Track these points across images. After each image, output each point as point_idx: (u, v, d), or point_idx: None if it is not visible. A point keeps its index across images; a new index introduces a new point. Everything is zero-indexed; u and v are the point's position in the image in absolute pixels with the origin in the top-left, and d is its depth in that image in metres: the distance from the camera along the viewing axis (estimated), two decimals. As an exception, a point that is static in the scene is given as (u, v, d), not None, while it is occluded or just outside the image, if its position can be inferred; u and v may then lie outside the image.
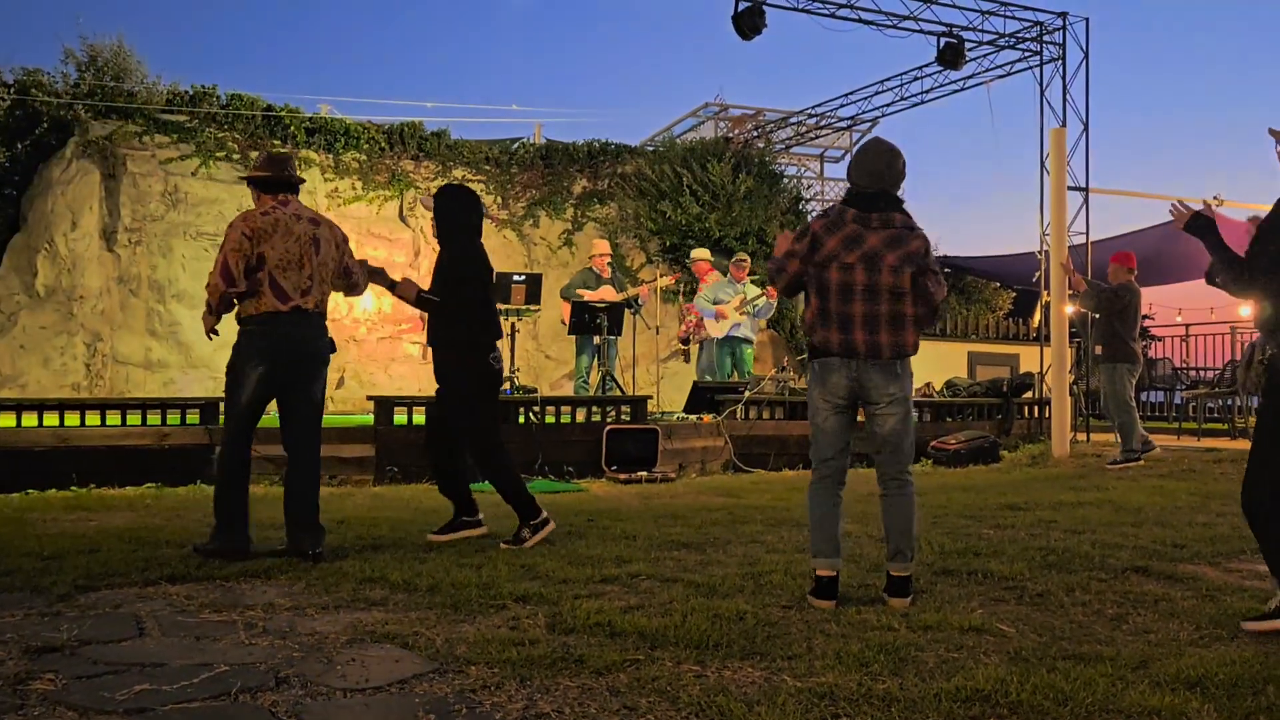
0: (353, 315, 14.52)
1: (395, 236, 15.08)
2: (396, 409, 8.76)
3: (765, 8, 11.72)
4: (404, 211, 15.19)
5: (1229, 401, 13.33)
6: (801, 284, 4.29)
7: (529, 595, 4.06)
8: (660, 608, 3.87)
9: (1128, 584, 4.50)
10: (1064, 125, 12.63)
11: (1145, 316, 15.53)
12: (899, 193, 4.30)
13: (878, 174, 4.20)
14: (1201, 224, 3.91)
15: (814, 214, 3.91)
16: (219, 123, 14.06)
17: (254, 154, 14.09)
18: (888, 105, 15.73)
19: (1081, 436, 12.17)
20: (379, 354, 14.87)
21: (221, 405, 5.65)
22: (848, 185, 4.38)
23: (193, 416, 8.26)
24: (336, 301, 14.26)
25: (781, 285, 4.37)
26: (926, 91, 15.28)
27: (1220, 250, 3.76)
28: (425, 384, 14.20)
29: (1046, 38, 13.37)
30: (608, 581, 4.40)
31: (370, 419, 8.73)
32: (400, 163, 15.16)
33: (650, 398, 10.47)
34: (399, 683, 2.95)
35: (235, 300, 4.94)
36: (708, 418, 10.30)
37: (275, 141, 14.19)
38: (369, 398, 9.13)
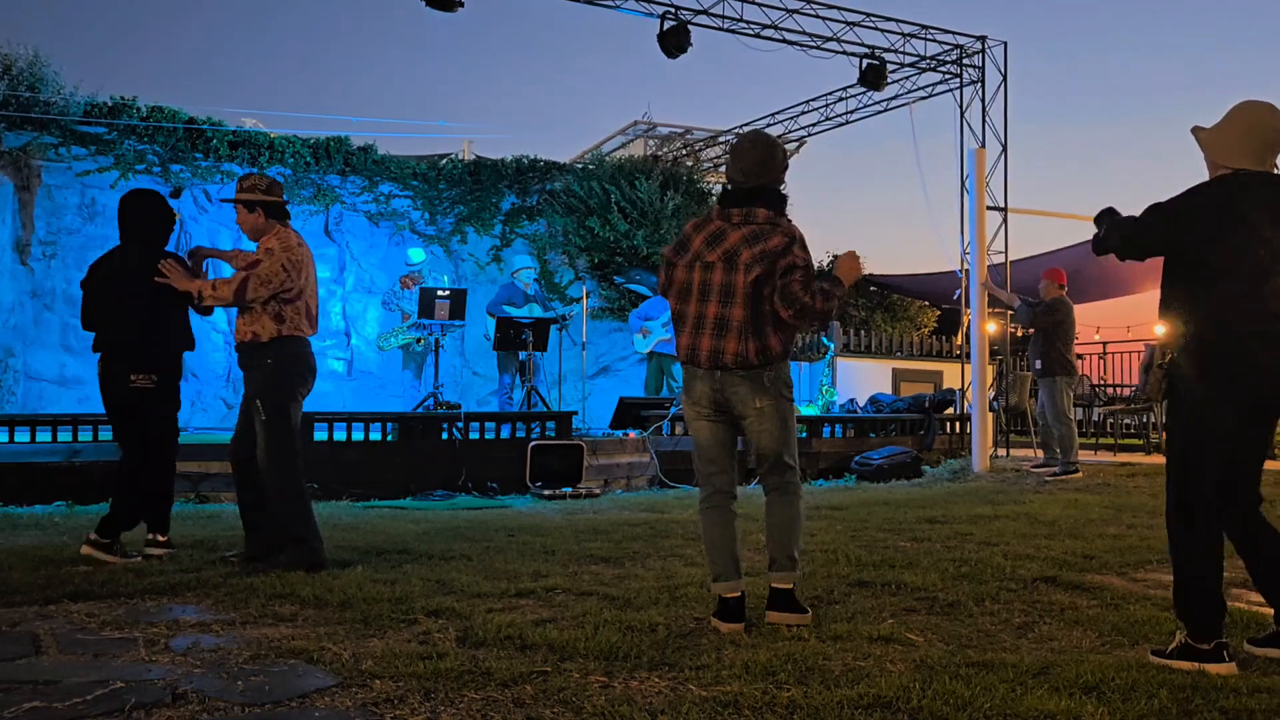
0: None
1: (320, 252, 14.88)
2: (316, 424, 8.64)
3: (690, 27, 11.82)
4: (329, 227, 15.03)
5: (1144, 418, 13.67)
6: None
7: (441, 609, 4.03)
8: (573, 620, 3.85)
9: (1036, 594, 4.58)
10: (983, 146, 12.90)
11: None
12: (781, 188, 4.08)
13: (751, 169, 3.99)
14: (1101, 216, 3.78)
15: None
16: (139, 135, 13.81)
17: (174, 167, 13.87)
18: (813, 125, 15.94)
19: (1002, 451, 12.40)
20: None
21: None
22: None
23: (105, 434, 8.08)
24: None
25: (659, 288, 4.21)
26: (851, 112, 15.52)
27: (1108, 216, 3.71)
28: (349, 400, 14.06)
29: (966, 61, 13.65)
30: (523, 595, 4.38)
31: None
32: (326, 177, 15.00)
33: (576, 413, 10.45)
34: (300, 697, 2.91)
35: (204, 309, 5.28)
36: (633, 434, 10.31)
37: (198, 154, 13.97)
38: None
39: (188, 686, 2.98)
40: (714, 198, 17.37)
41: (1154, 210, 3.58)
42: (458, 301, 10.03)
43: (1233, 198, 3.44)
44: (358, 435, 8.86)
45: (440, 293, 10.05)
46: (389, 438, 9.03)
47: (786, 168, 4.14)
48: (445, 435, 9.09)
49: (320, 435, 8.68)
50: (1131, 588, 4.75)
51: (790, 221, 4.01)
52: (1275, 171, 3.52)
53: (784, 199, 4.10)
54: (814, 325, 4.09)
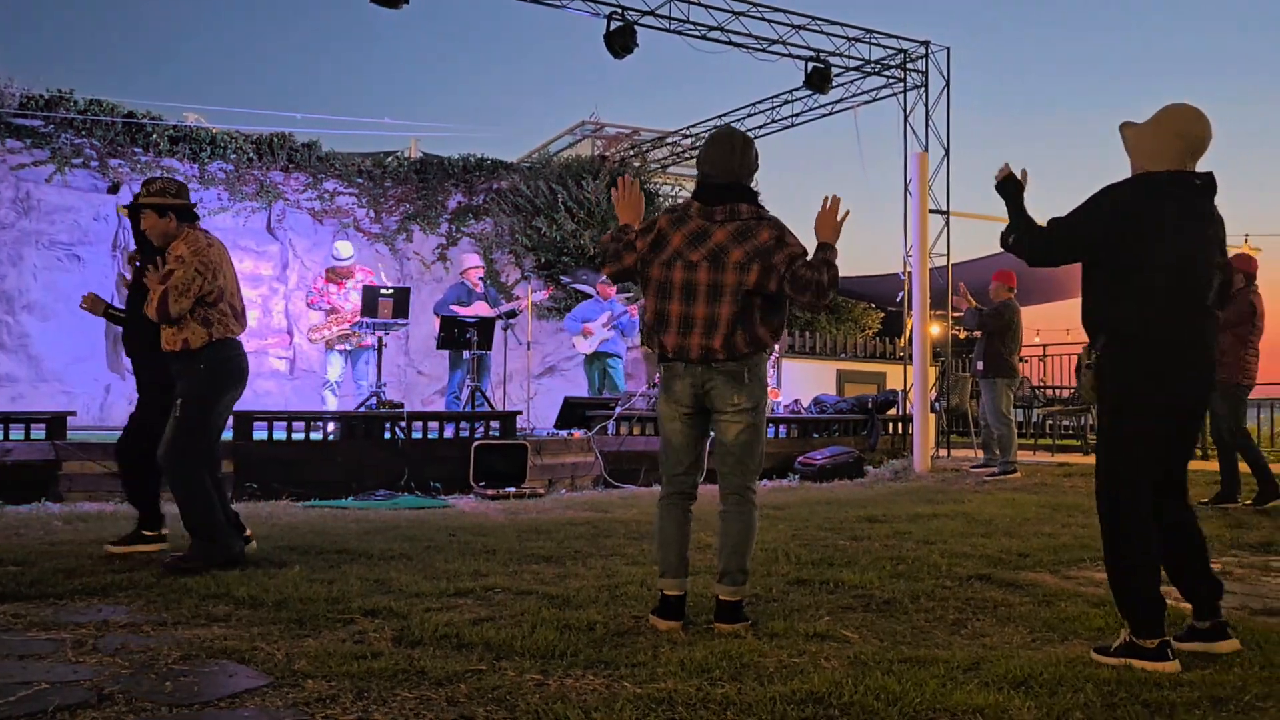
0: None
1: (263, 249, 14.73)
2: (256, 424, 8.54)
3: (637, 28, 11.84)
4: (272, 224, 14.86)
5: (1082, 419, 13.91)
6: (631, 276, 4.08)
7: (379, 609, 4.00)
8: (511, 619, 3.84)
9: (971, 591, 4.64)
10: (927, 150, 13.06)
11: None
12: (752, 184, 4.05)
13: (725, 164, 3.95)
14: (1010, 188, 3.84)
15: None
16: (77, 128, 13.56)
17: (113, 161, 13.63)
18: (760, 127, 16.01)
19: (943, 452, 12.54)
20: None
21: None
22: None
23: (38, 432, 7.93)
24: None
25: (611, 272, 4.13)
26: (797, 115, 15.62)
27: (1021, 215, 3.77)
28: (291, 399, 13.91)
29: (910, 65, 13.80)
30: (462, 595, 4.36)
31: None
32: (269, 174, 14.83)
33: (521, 413, 10.42)
34: (230, 697, 2.87)
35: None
36: (578, 434, 10.30)
37: (137, 149, 13.75)
38: (228, 412, 8.88)
39: (114, 687, 2.94)
40: (662, 199, 17.43)
41: (1064, 220, 3.64)
42: (401, 300, 9.96)
43: (1148, 198, 3.52)
44: (299, 434, 8.77)
45: (383, 291, 9.97)
46: (330, 437, 8.95)
47: (757, 167, 4.09)
48: (388, 435, 9.02)
49: (260, 434, 8.58)
50: (1064, 585, 4.83)
51: (770, 213, 3.98)
52: (1193, 172, 3.60)
53: (757, 194, 4.06)
54: (827, 301, 3.97)
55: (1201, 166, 3.63)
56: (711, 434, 4.06)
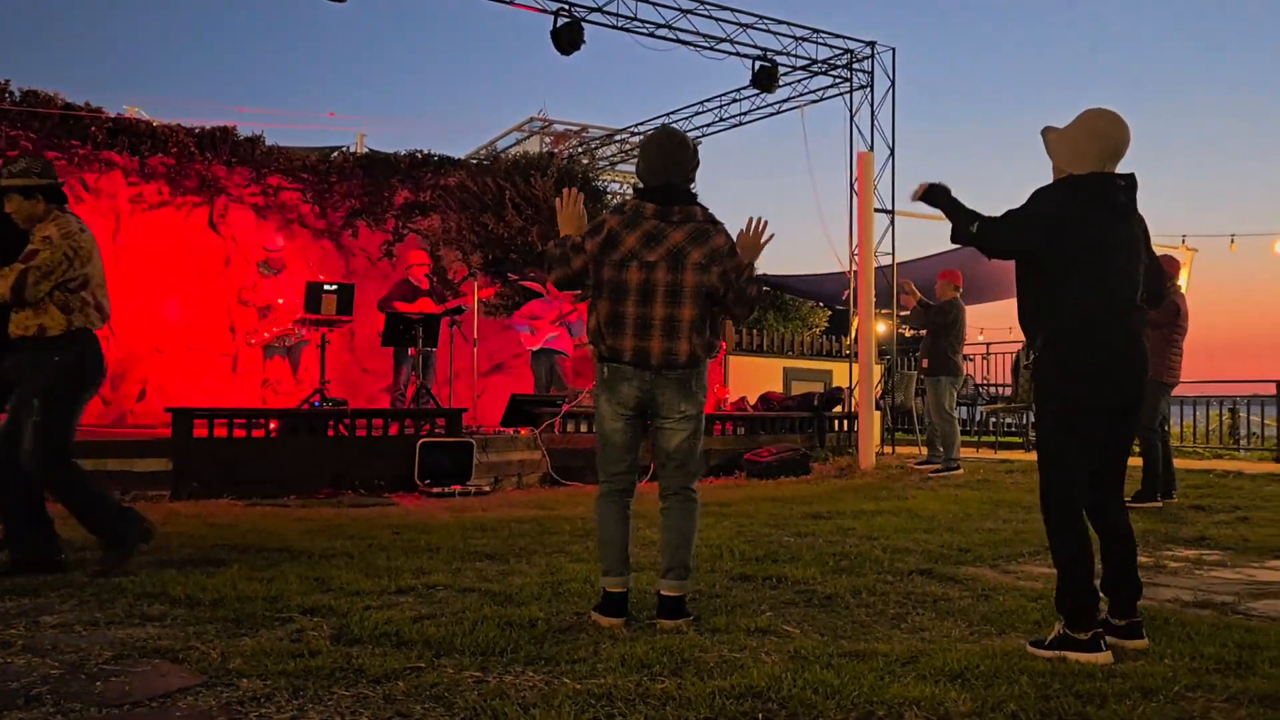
0: (157, 325, 13.88)
1: (204, 245, 14.50)
2: (197, 421, 8.41)
3: (584, 25, 11.81)
4: (214, 219, 14.63)
5: (1024, 417, 14.09)
6: (578, 281, 4.01)
7: (318, 607, 3.96)
8: (452, 617, 3.82)
9: (912, 585, 4.69)
10: (871, 149, 13.16)
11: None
12: (692, 187, 4.04)
13: (668, 166, 3.96)
14: (935, 193, 3.87)
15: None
16: (12, 120, 13.25)
17: (50, 154, 13.36)
18: (708, 125, 16.06)
19: (888, 449, 12.66)
20: (186, 365, 14.24)
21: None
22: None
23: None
24: (140, 310, 13.64)
25: (558, 278, 4.04)
26: (745, 113, 15.68)
27: (964, 209, 3.78)
28: (236, 396, 13.71)
29: (856, 65, 13.90)
30: (403, 592, 4.34)
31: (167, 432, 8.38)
32: (211, 168, 14.59)
33: (467, 410, 10.36)
34: (162, 697, 2.83)
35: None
36: (525, 431, 10.26)
37: (74, 141, 13.46)
38: (167, 410, 8.75)
39: (43, 688, 2.88)
40: (610, 195, 17.41)
41: (1017, 212, 3.69)
42: (345, 296, 9.85)
43: (1076, 200, 3.59)
44: (241, 432, 8.65)
45: (327, 287, 9.86)
46: (272, 435, 8.85)
47: (697, 166, 4.10)
48: (332, 432, 8.93)
49: (201, 432, 8.45)
50: (1003, 579, 4.89)
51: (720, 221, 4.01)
52: (1115, 174, 3.67)
53: (697, 196, 4.07)
54: (750, 316, 4.04)
55: (1129, 167, 3.71)
56: (651, 435, 4.05)
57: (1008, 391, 16.83)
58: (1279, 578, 5.06)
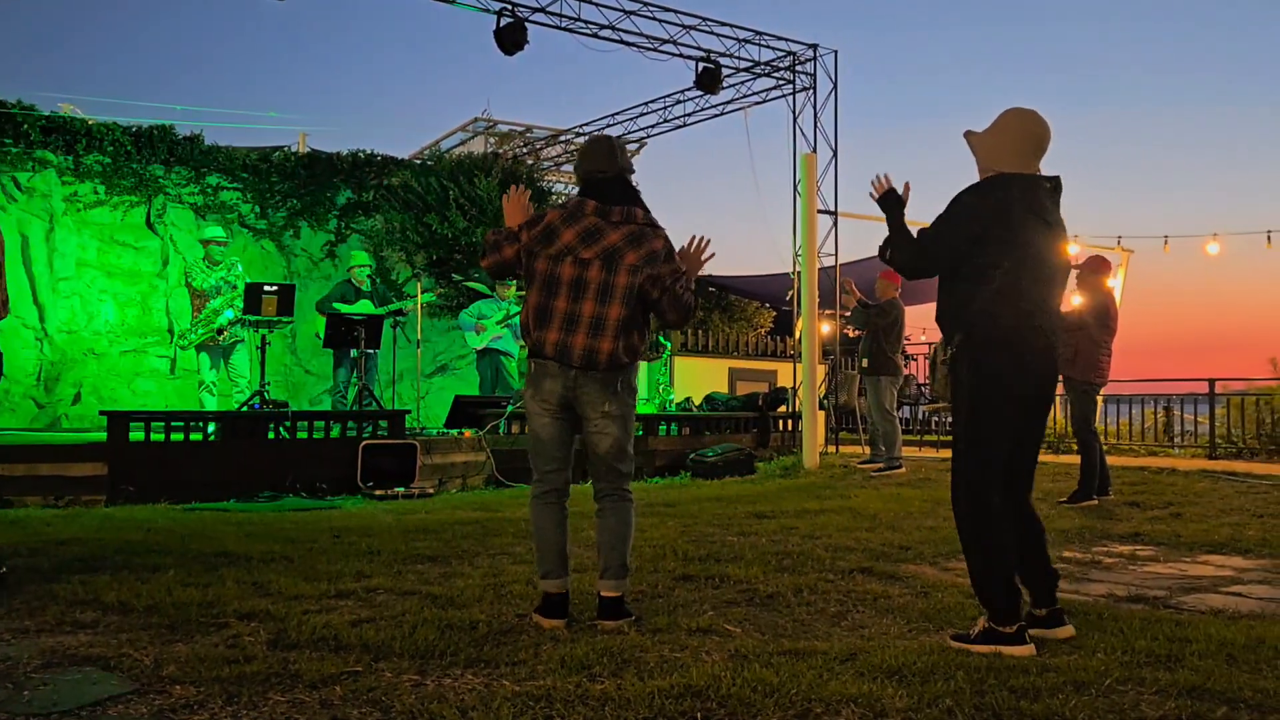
0: (93, 327, 13.63)
1: (141, 244, 14.26)
2: (133, 425, 8.28)
3: (528, 25, 11.78)
4: (151, 218, 14.40)
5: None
6: (510, 270, 4.02)
7: (255, 612, 3.90)
8: (392, 620, 3.78)
9: (852, 584, 4.73)
10: (815, 151, 13.26)
11: (905, 336, 16.47)
12: (632, 180, 4.07)
13: (606, 161, 3.98)
14: (891, 201, 3.92)
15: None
16: (-59, 118, 12.97)
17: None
18: (652, 127, 16.10)
19: (832, 448, 12.75)
20: (122, 368, 14.01)
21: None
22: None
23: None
24: (74, 312, 13.39)
25: (489, 265, 4.04)
26: (689, 114, 15.73)
27: (900, 229, 3.86)
28: (173, 399, 13.51)
29: (799, 67, 13.99)
30: (343, 596, 4.29)
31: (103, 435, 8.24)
32: (149, 167, 14.37)
33: (410, 412, 10.29)
34: (92, 705, 2.77)
35: None
36: (469, 432, 10.21)
37: (6, 140, 13.19)
38: (102, 413, 8.59)
39: (-32, 699, 2.81)
40: (555, 196, 17.36)
41: (931, 231, 3.76)
42: (285, 297, 9.73)
43: (997, 198, 3.65)
44: (178, 436, 8.53)
45: (267, 288, 9.74)
46: (211, 438, 8.73)
47: (631, 166, 4.15)
48: (272, 435, 8.83)
49: (138, 436, 8.32)
50: (942, 576, 4.95)
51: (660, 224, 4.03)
52: (1040, 174, 3.74)
53: (639, 194, 4.09)
54: (687, 324, 4.06)
55: (1062, 169, 3.78)
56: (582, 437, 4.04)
57: (949, 391, 17.03)
58: (1209, 572, 5.17)
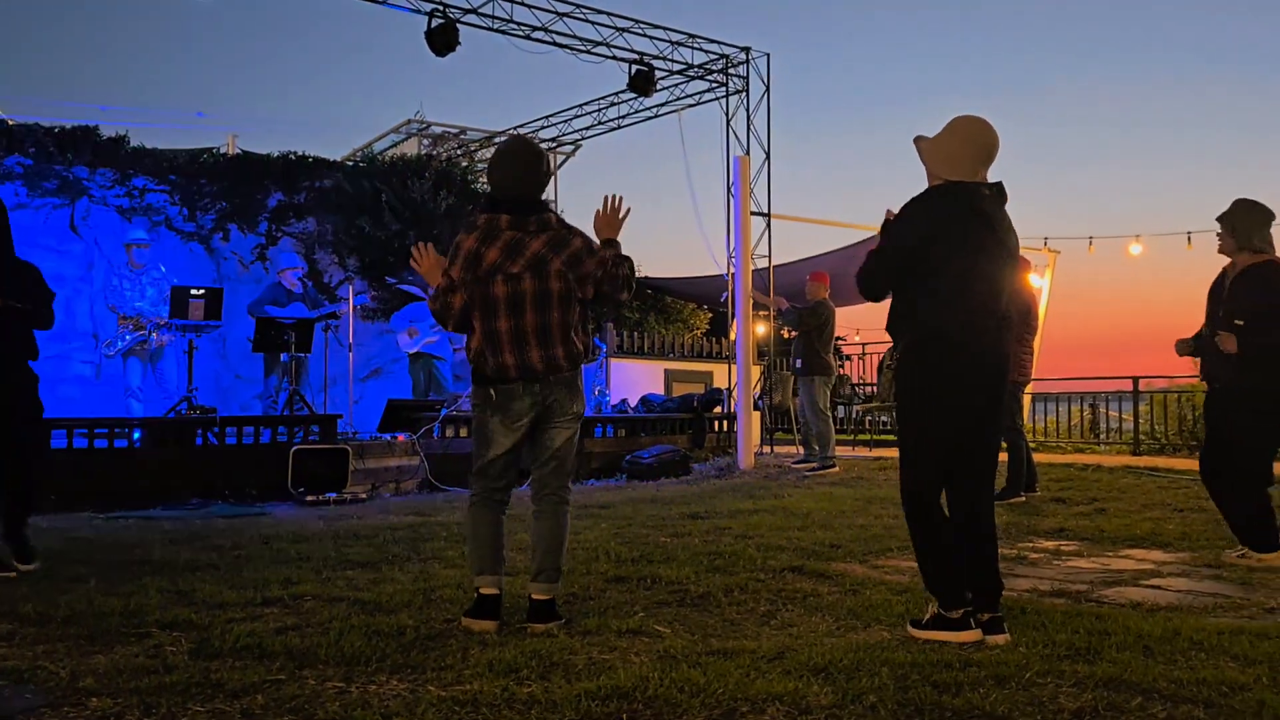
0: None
1: (65, 248, 13.91)
2: (55, 431, 8.08)
3: (460, 26, 11.71)
4: (75, 221, 14.08)
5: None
6: (470, 315, 3.96)
7: (178, 621, 3.84)
8: (318, 627, 3.74)
9: (783, 582, 4.76)
10: (748, 154, 13.33)
11: (840, 337, 16.66)
12: (543, 196, 4.09)
13: (526, 178, 3.96)
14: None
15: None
16: None
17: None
18: (587, 128, 16.09)
19: (767, 449, 12.84)
20: (45, 374, 13.66)
21: None
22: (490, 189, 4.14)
23: None
24: (-5, 317, 13.04)
25: (453, 327, 4.02)
26: (623, 117, 15.75)
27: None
28: (97, 405, 13.21)
29: (732, 70, 14.07)
30: (269, 603, 4.23)
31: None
32: (72, 169, 14.03)
33: (342, 416, 10.17)
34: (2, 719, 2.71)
35: None
36: (402, 437, 10.12)
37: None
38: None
39: (-126, 715, 2.73)
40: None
41: (879, 251, 3.82)
42: (213, 301, 9.58)
43: (944, 206, 3.71)
44: (102, 443, 8.36)
45: (194, 291, 9.58)
46: (136, 444, 8.56)
47: (549, 178, 4.17)
48: (200, 441, 8.68)
49: (60, 443, 8.13)
50: (871, 574, 5.00)
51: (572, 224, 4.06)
52: (985, 182, 3.79)
53: (548, 204, 4.16)
54: (630, 295, 4.03)
55: (997, 175, 3.84)
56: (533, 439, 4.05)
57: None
58: (1131, 566, 5.28)
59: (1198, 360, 5.78)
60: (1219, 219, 5.46)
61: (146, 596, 4.29)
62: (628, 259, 4.04)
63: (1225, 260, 5.51)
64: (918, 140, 3.89)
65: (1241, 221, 5.38)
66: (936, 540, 3.73)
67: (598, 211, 4.13)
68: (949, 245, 3.66)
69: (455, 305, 3.96)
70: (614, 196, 4.15)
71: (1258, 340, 5.21)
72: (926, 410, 3.73)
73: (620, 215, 4.15)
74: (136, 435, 8.69)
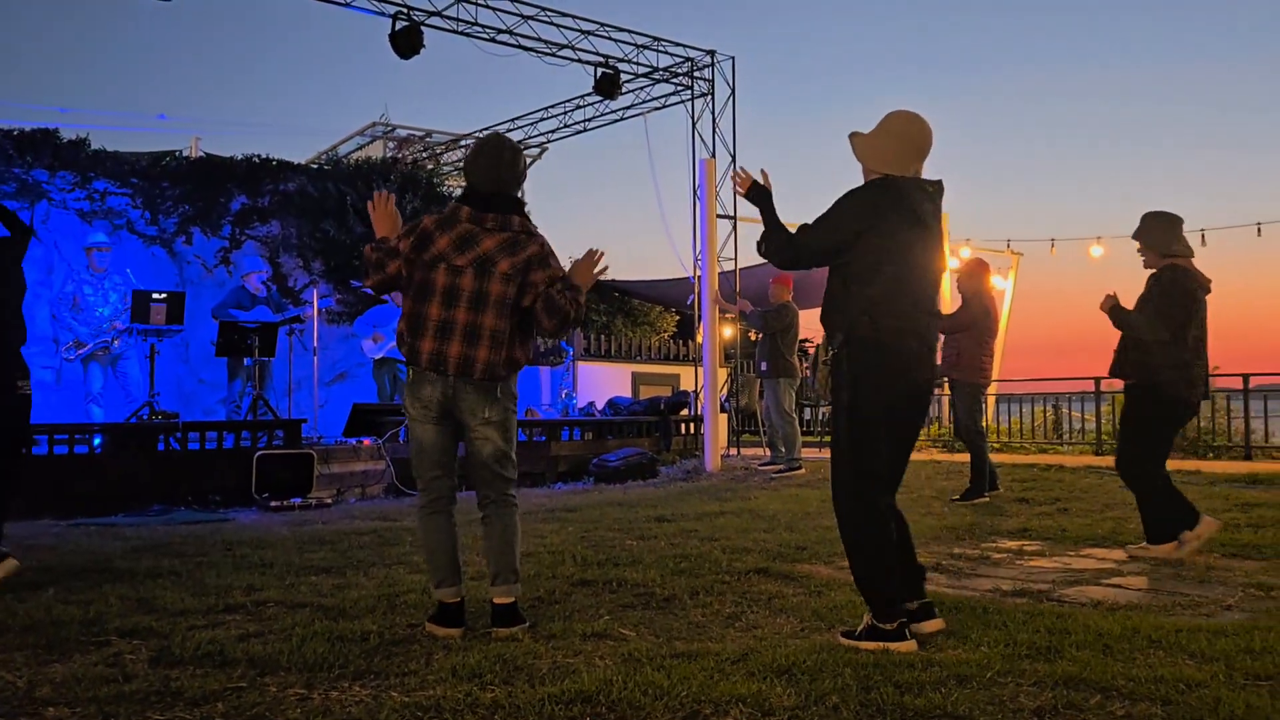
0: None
1: (25, 252, 13.76)
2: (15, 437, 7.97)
3: (424, 29, 11.68)
4: (35, 225, 13.91)
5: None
6: (395, 285, 3.92)
7: (138, 629, 3.80)
8: (280, 633, 3.72)
9: (748, 584, 4.77)
10: (714, 156, 13.37)
11: (806, 339, 16.72)
12: (518, 194, 4.03)
13: (495, 175, 3.91)
14: (757, 193, 3.98)
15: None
16: None
17: None
18: (553, 131, 16.08)
19: (734, 451, 12.87)
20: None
21: None
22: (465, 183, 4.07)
23: None
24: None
25: (374, 282, 3.96)
26: (589, 120, 15.75)
27: (774, 221, 3.92)
28: (57, 411, 13.05)
29: (697, 73, 14.11)
30: (231, 610, 4.20)
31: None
32: (32, 172, 13.86)
33: (306, 421, 10.11)
34: (-43, 732, 2.67)
35: None
36: (368, 441, 10.07)
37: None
38: (-19, 426, 8.27)
39: None
40: (454, 200, 17.22)
41: (812, 227, 3.83)
42: (175, 305, 9.49)
43: (879, 200, 3.74)
44: (63, 449, 8.26)
45: (156, 295, 9.48)
46: (97, 450, 8.47)
47: (525, 177, 4.14)
48: (162, 446, 8.60)
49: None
50: (836, 575, 5.02)
51: (538, 230, 4.00)
52: (920, 177, 3.84)
53: (524, 204, 4.07)
54: (566, 331, 4.01)
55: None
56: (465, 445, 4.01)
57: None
58: (1092, 565, 5.34)
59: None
60: (1135, 236, 5.70)
61: (106, 604, 4.24)
62: (579, 302, 3.96)
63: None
64: (852, 136, 3.92)
65: (1155, 235, 5.61)
66: (876, 543, 3.67)
67: (577, 261, 4.13)
68: (881, 239, 3.69)
69: (390, 268, 3.87)
70: (596, 251, 4.16)
71: (1145, 333, 5.45)
72: (864, 406, 3.72)
73: (596, 270, 4.15)
74: (98, 441, 8.60)
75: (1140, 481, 5.64)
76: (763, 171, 4.02)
